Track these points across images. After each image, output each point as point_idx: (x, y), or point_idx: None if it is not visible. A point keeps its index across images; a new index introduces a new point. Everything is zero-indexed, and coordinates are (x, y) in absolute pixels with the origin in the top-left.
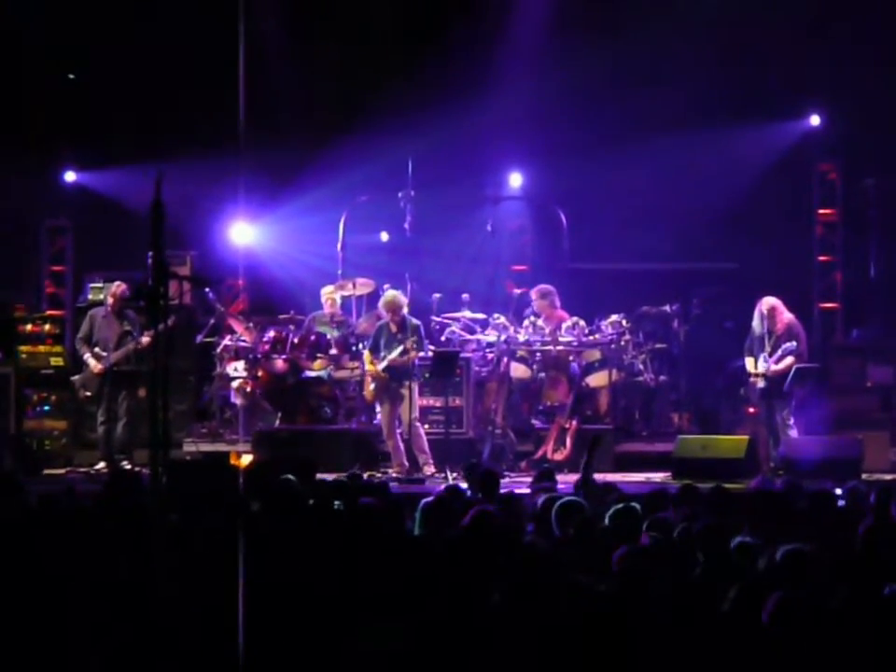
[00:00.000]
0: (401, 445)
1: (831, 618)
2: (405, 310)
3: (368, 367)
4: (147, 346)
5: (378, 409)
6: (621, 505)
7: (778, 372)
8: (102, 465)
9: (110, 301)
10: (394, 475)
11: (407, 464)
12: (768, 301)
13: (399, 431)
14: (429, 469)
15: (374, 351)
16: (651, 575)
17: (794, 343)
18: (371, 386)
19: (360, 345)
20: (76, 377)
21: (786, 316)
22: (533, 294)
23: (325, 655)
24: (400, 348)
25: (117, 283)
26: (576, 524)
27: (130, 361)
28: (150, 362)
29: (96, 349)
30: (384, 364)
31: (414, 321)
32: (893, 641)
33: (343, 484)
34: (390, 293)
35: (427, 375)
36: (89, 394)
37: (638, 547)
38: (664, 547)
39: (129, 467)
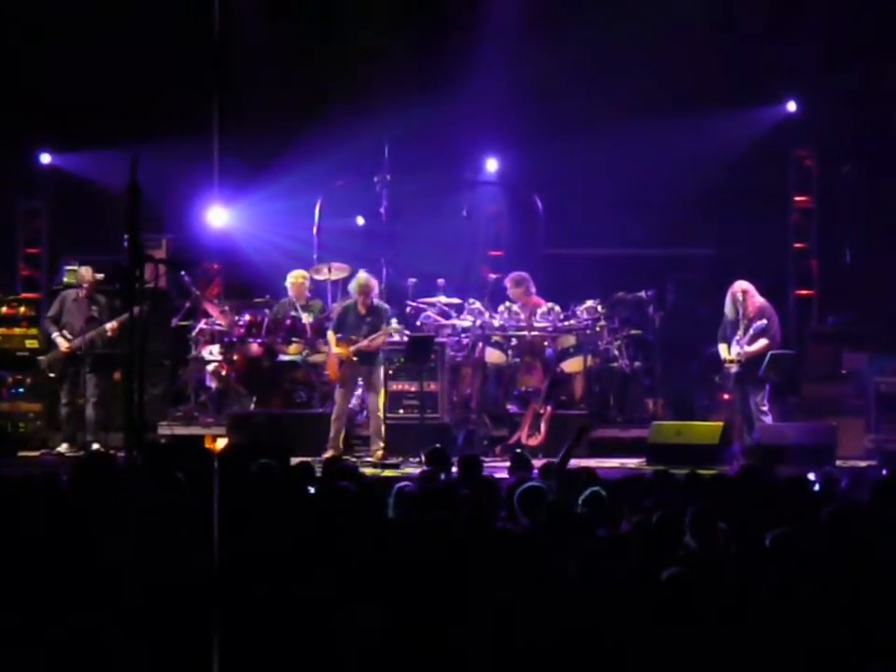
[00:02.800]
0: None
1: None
2: (375, 293)
3: (334, 348)
4: (113, 333)
5: (338, 390)
6: (590, 490)
7: (751, 354)
8: (65, 446)
9: (84, 285)
10: (369, 459)
11: (382, 447)
12: (740, 285)
13: (365, 414)
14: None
15: (338, 331)
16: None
17: (765, 321)
18: (337, 367)
19: None
20: (42, 357)
21: (757, 300)
22: (507, 282)
23: (302, 635)
24: (377, 335)
25: (85, 268)
26: (546, 509)
27: (94, 346)
28: (126, 346)
29: (63, 331)
30: (355, 347)
31: (383, 305)
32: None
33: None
34: (362, 275)
35: (401, 360)
36: (53, 375)
37: (619, 533)
38: (644, 532)
39: (100, 448)
